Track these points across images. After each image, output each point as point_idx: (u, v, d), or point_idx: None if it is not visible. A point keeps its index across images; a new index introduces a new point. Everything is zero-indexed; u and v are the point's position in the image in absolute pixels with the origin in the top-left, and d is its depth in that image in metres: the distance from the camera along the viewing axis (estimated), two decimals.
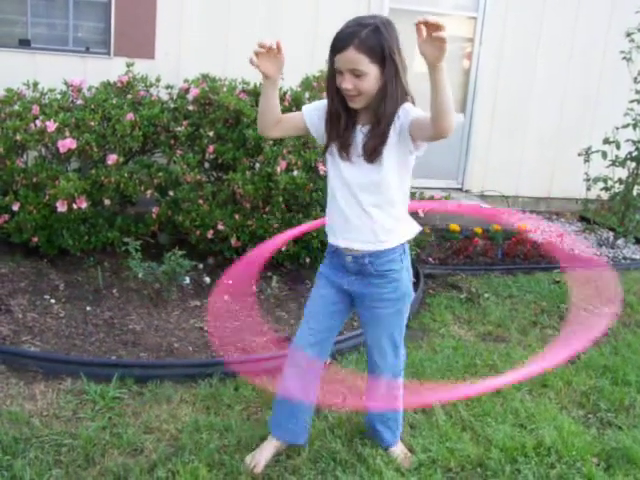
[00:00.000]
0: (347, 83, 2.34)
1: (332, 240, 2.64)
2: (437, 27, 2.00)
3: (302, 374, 2.76)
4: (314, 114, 2.58)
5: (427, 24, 2.00)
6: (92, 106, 4.75)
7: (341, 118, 2.46)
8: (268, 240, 3.96)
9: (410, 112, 2.32)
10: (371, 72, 2.31)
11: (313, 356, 2.73)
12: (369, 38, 2.25)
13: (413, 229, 2.66)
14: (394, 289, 2.62)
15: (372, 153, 2.41)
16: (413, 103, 2.41)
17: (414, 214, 4.32)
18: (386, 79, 2.32)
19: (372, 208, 2.49)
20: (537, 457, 2.96)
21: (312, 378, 2.80)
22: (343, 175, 2.51)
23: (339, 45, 2.31)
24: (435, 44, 2.02)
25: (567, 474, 2.86)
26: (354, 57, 2.29)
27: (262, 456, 2.78)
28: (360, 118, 2.47)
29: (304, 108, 2.65)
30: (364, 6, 6.54)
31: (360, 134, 2.45)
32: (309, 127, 2.61)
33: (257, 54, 2.36)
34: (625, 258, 6.47)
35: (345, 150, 2.48)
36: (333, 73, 2.39)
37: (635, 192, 6.58)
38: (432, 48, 2.03)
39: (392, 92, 2.34)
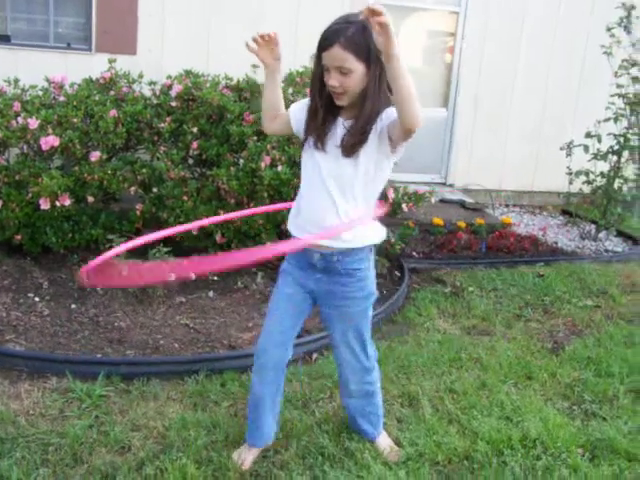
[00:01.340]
0: (333, 80, 2.34)
1: (299, 236, 2.58)
2: (376, 13, 2.00)
3: (269, 378, 2.74)
4: (298, 112, 2.59)
5: (370, 12, 2.01)
6: (74, 103, 4.71)
7: (319, 112, 2.46)
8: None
9: (392, 115, 2.32)
10: (357, 70, 2.31)
11: (279, 356, 2.72)
12: (356, 36, 2.25)
13: (380, 233, 2.63)
14: (361, 288, 2.63)
15: (349, 149, 2.41)
16: None
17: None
18: (372, 77, 2.33)
19: (342, 202, 2.47)
20: (523, 449, 2.98)
21: (278, 379, 2.78)
22: (318, 166, 2.50)
23: (326, 42, 2.31)
24: (380, 31, 2.03)
25: (553, 465, 2.89)
26: (340, 54, 2.29)
27: (249, 453, 2.79)
28: (343, 112, 2.47)
29: (291, 106, 2.66)
30: (347, 1, 6.53)
31: (341, 127, 2.45)
32: (292, 124, 2.62)
33: (255, 42, 2.41)
34: (607, 251, 6.53)
35: (321, 140, 2.47)
36: (319, 70, 2.39)
37: (617, 185, 6.64)
38: (380, 36, 2.04)
39: (376, 91, 2.34)
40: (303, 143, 2.56)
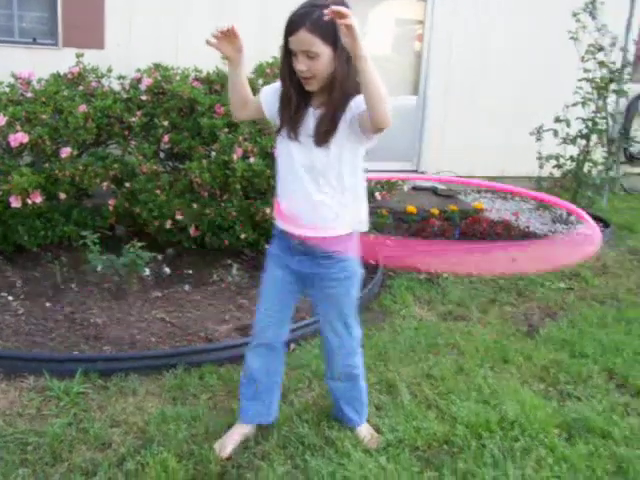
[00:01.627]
0: (301, 65, 2.34)
1: (279, 223, 2.66)
2: (341, 15, 2.03)
3: (264, 355, 2.80)
4: (270, 96, 2.59)
5: (336, 14, 2.04)
6: (43, 99, 4.66)
7: (292, 100, 2.47)
8: None
9: (361, 105, 2.32)
10: (324, 53, 2.31)
11: (274, 337, 2.79)
12: (321, 19, 2.25)
13: (361, 223, 2.65)
14: (342, 269, 2.64)
15: (322, 137, 2.42)
16: None
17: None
18: (339, 61, 2.33)
19: (315, 192, 2.49)
20: (501, 431, 3.02)
21: (275, 359, 2.84)
22: (292, 156, 2.51)
23: (292, 26, 2.31)
24: (347, 33, 2.06)
25: (530, 446, 2.93)
26: (307, 38, 2.29)
27: (229, 441, 2.81)
28: (314, 101, 2.47)
29: (262, 90, 2.66)
30: None
31: (312, 116, 2.46)
32: (264, 109, 2.63)
33: (215, 37, 2.40)
34: (578, 234, 6.60)
35: (294, 131, 2.48)
36: (287, 55, 2.39)
37: (586, 169, 6.72)
38: (346, 38, 2.07)
39: (345, 74, 2.34)
40: (277, 131, 2.57)
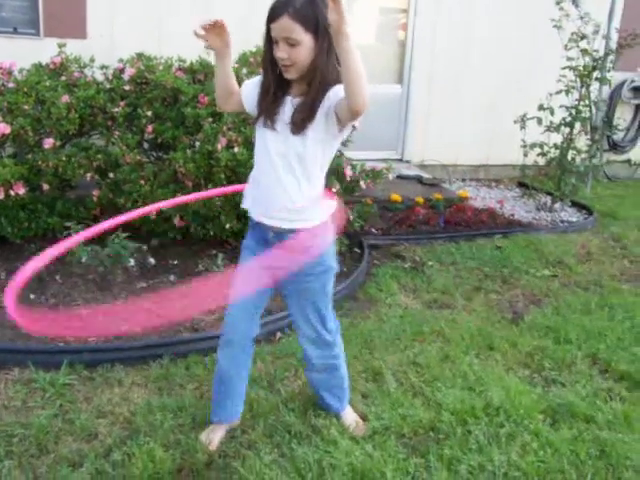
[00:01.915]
0: (281, 52, 2.34)
1: (252, 214, 2.64)
2: None
3: (235, 353, 2.77)
4: (250, 89, 2.60)
5: None
6: (25, 89, 4.61)
7: (271, 88, 2.47)
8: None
9: (339, 93, 2.32)
10: (305, 41, 2.31)
11: (246, 331, 2.75)
12: (304, 7, 2.26)
13: (328, 210, 2.63)
14: (318, 263, 2.63)
15: (299, 125, 2.41)
16: None
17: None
18: (320, 49, 2.33)
19: (290, 181, 2.48)
20: (487, 417, 3.05)
21: (245, 355, 2.81)
22: (267, 144, 2.51)
23: (274, 13, 2.32)
24: (333, 7, 2.05)
25: (516, 432, 2.96)
26: (288, 25, 2.29)
27: (216, 434, 2.81)
28: (293, 90, 2.47)
29: (243, 84, 2.66)
30: None
31: (290, 105, 2.46)
32: (244, 102, 2.62)
33: (204, 29, 2.40)
34: (563, 221, 6.65)
35: (271, 118, 2.48)
36: (268, 43, 2.40)
37: (570, 157, 6.76)
38: (332, 12, 2.06)
39: (325, 64, 2.35)
40: (255, 120, 2.56)
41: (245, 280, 2.72)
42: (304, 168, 2.47)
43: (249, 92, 2.59)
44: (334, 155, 2.57)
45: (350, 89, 2.19)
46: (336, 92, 2.34)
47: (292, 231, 2.55)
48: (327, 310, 2.77)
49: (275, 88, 2.46)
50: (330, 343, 2.84)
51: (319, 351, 2.84)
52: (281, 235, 2.57)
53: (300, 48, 2.32)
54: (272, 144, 2.49)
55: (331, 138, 2.47)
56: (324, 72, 2.35)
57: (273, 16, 2.32)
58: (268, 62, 2.44)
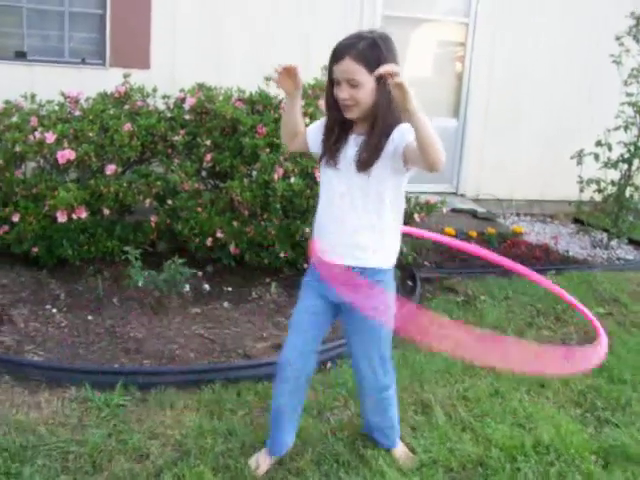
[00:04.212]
0: (343, 93, 2.40)
1: (317, 251, 2.66)
2: (390, 75, 2.10)
3: (291, 389, 2.76)
4: (314, 132, 2.66)
5: (387, 73, 2.10)
6: (90, 117, 4.79)
7: (334, 128, 2.52)
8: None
9: (405, 135, 2.36)
10: (367, 83, 2.36)
11: (301, 368, 2.74)
12: (367, 50, 2.32)
13: (395, 248, 2.65)
14: (382, 301, 2.63)
15: (365, 163, 2.44)
16: None
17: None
18: (382, 91, 2.36)
19: (354, 219, 2.51)
20: (536, 455, 3.01)
21: (300, 391, 2.81)
22: (331, 184, 2.56)
23: (337, 55, 2.38)
24: (397, 90, 2.11)
25: (566, 472, 2.91)
26: (351, 67, 2.35)
27: (265, 460, 2.83)
28: (355, 129, 2.52)
29: (309, 127, 2.72)
30: (357, 14, 6.58)
31: (353, 143, 2.50)
32: (308, 143, 2.68)
33: (278, 72, 2.48)
34: (619, 259, 6.54)
35: (334, 158, 2.53)
36: (331, 84, 2.45)
37: (628, 193, 6.66)
38: (396, 93, 2.12)
39: (387, 105, 2.38)
40: (319, 160, 2.62)
41: (304, 317, 2.73)
42: (368, 206, 2.50)
43: (314, 133, 2.65)
44: (403, 192, 2.59)
45: (425, 155, 2.22)
46: (401, 133, 2.38)
47: (359, 268, 2.57)
48: (387, 351, 2.77)
49: (338, 127, 2.52)
50: (386, 385, 2.84)
51: (374, 392, 2.84)
52: (346, 272, 2.58)
53: (362, 89, 2.37)
54: (336, 183, 2.53)
55: (399, 174, 2.49)
56: (386, 113, 2.39)
57: (337, 57, 2.38)
58: (331, 102, 2.49)
